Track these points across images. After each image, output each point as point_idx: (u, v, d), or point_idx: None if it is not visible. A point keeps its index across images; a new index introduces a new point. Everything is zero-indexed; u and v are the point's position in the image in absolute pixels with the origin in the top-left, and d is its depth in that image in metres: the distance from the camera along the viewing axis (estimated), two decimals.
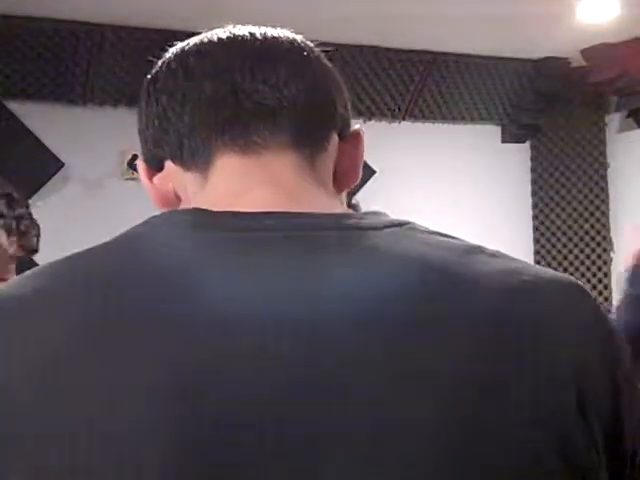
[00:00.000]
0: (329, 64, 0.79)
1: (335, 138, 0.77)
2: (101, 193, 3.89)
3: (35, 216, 2.22)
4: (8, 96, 3.76)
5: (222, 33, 0.76)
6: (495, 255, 0.69)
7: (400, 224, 0.70)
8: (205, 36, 0.77)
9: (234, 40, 0.75)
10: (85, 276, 0.65)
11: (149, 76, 0.77)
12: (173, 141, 0.74)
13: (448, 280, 0.65)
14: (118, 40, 3.74)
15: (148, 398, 0.58)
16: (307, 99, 0.74)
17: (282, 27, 0.79)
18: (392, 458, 0.59)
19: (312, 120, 0.74)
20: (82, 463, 0.58)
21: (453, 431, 0.60)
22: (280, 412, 0.59)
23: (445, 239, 0.70)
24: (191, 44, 0.76)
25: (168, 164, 0.76)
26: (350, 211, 0.74)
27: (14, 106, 3.79)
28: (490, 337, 0.63)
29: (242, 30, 0.76)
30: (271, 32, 0.77)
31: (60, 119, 3.85)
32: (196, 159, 0.73)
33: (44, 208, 3.74)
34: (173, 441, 0.58)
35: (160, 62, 0.77)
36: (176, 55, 0.76)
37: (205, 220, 0.68)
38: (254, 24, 0.78)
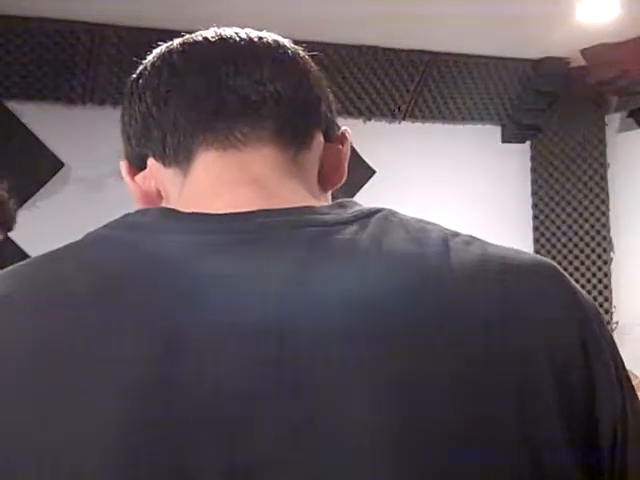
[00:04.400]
0: (314, 66, 0.79)
1: (320, 137, 0.77)
2: (101, 193, 3.88)
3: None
4: (8, 96, 3.76)
5: (207, 33, 0.77)
6: (469, 242, 0.68)
7: (370, 214, 0.69)
8: (190, 36, 0.77)
9: (219, 39, 0.75)
10: (48, 282, 0.64)
11: (133, 75, 0.78)
12: (156, 138, 0.74)
13: (421, 276, 0.64)
14: (118, 40, 3.74)
15: (122, 403, 0.58)
16: (291, 96, 0.74)
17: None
18: (371, 459, 0.58)
19: (295, 117, 0.74)
20: (46, 464, 0.57)
21: (423, 436, 0.59)
22: (261, 414, 0.58)
23: (419, 226, 0.69)
24: (175, 43, 0.77)
25: (150, 162, 0.75)
26: (319, 204, 0.72)
27: (14, 106, 3.79)
28: (464, 338, 0.62)
29: (227, 31, 0.76)
30: (256, 33, 0.77)
31: (60, 119, 3.84)
32: (177, 155, 0.73)
33: (44, 208, 3.74)
34: (149, 442, 0.57)
35: (145, 62, 0.77)
36: (160, 54, 0.77)
37: (167, 223, 0.67)
38: (253, 24, 0.79)
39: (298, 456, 0.58)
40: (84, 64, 3.77)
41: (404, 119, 4.47)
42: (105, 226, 0.68)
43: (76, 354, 0.60)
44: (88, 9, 3.52)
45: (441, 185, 4.47)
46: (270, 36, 0.77)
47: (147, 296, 0.61)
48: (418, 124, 4.53)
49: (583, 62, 4.21)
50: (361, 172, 4.23)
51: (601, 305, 4.51)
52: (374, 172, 4.29)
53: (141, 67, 0.77)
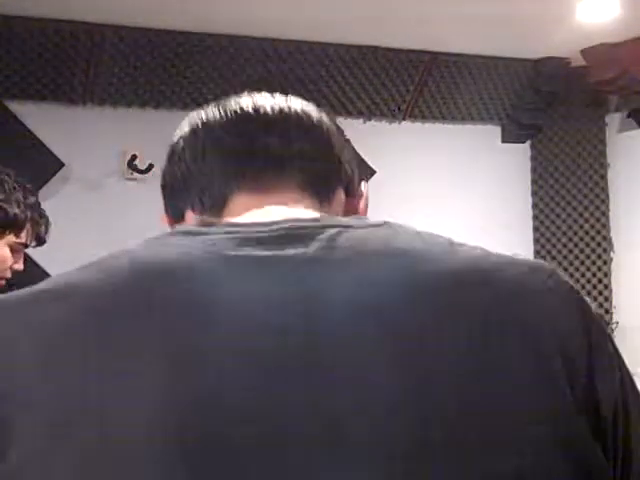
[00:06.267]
0: (339, 127, 0.90)
1: (341, 194, 0.86)
2: (101, 193, 3.88)
3: None
4: (8, 96, 3.76)
5: (242, 102, 0.86)
6: (475, 248, 0.73)
7: (384, 222, 0.75)
8: (225, 103, 0.86)
9: (253, 109, 0.85)
10: (109, 276, 0.68)
11: (174, 138, 0.87)
12: (195, 194, 0.83)
13: (431, 275, 0.68)
14: (118, 40, 3.74)
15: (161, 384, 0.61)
16: (314, 153, 0.84)
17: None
18: (387, 447, 0.61)
19: (318, 174, 0.83)
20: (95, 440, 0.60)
21: (436, 424, 0.62)
22: (283, 404, 0.61)
23: (428, 233, 0.74)
24: (210, 109, 0.86)
25: (189, 215, 0.84)
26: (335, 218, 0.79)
27: (14, 106, 3.79)
28: (471, 335, 0.66)
29: (259, 100, 0.86)
30: (284, 100, 0.86)
31: (60, 119, 3.85)
32: (214, 203, 0.82)
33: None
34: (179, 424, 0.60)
35: (181, 125, 0.87)
36: (198, 119, 0.86)
37: (199, 227, 0.73)
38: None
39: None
40: (84, 64, 3.77)
41: (404, 119, 4.47)
42: (169, 231, 0.75)
43: (133, 342, 0.63)
44: (88, 9, 3.52)
45: (441, 185, 4.47)
46: (298, 105, 0.87)
47: (191, 300, 0.65)
48: (418, 124, 4.53)
49: (583, 62, 4.21)
50: (361, 172, 4.23)
51: (601, 305, 4.51)
52: (374, 172, 4.29)
53: (179, 132, 0.87)
